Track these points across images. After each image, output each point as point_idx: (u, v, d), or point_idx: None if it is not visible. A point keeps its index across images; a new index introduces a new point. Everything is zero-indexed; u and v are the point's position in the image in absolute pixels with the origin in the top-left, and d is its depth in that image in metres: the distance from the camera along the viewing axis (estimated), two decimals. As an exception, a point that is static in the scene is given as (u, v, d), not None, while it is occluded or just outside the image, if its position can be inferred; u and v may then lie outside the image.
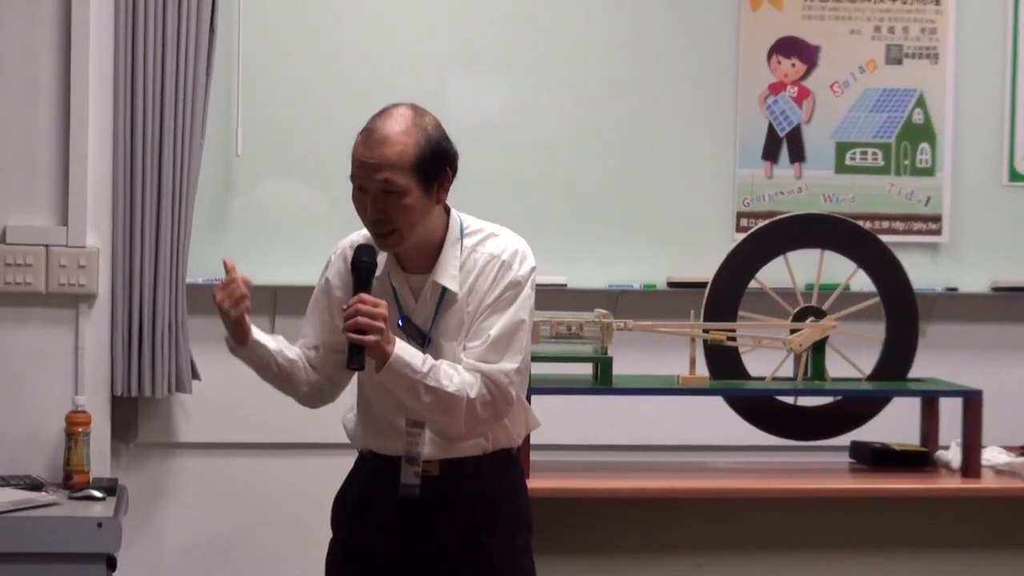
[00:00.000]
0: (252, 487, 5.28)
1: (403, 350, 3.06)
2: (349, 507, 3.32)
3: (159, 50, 4.97)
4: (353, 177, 3.14)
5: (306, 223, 5.27)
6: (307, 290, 5.37)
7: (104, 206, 4.86)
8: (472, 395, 3.10)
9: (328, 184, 5.30)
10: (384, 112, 3.19)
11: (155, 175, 4.99)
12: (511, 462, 3.33)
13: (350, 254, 3.21)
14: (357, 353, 3.02)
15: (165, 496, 5.26)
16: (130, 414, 5.17)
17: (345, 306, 3.04)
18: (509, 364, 3.15)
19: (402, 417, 3.20)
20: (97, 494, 4.51)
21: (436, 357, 3.13)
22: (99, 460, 4.76)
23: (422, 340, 3.17)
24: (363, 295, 3.04)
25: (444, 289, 3.18)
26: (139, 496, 5.06)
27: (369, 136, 3.13)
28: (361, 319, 2.99)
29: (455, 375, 3.10)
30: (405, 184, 3.09)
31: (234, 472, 5.28)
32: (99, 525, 4.26)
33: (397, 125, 3.13)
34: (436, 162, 3.14)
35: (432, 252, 3.19)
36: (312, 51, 5.31)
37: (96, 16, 4.77)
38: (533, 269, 3.23)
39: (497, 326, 3.16)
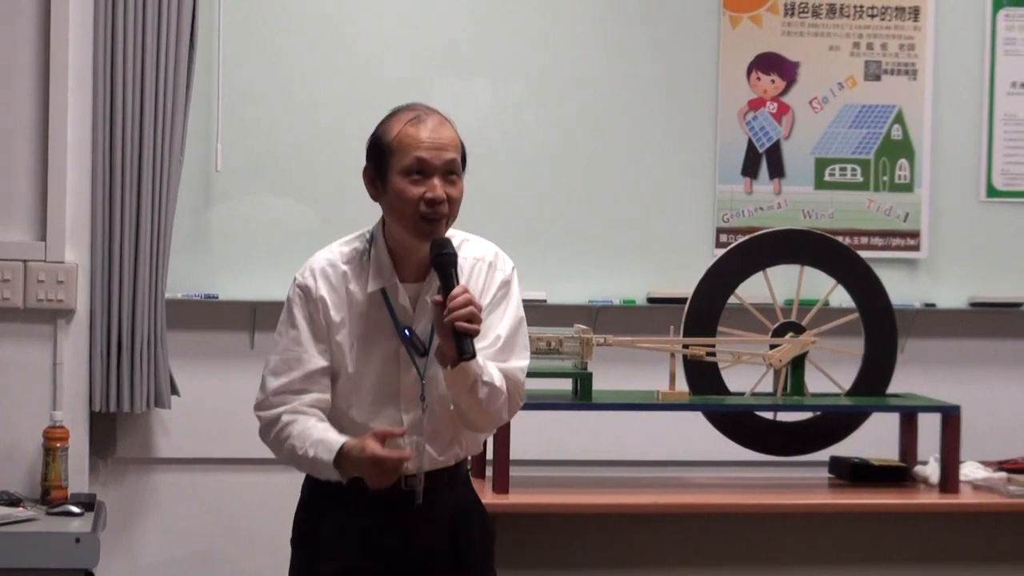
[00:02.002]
0: (230, 502, 5.27)
1: None
2: (324, 528, 3.21)
3: (138, 65, 4.96)
4: (415, 161, 3.08)
5: (286, 238, 5.26)
6: (287, 305, 5.32)
7: (83, 221, 4.85)
8: (506, 395, 3.14)
9: (308, 199, 5.30)
10: (413, 104, 3.20)
11: (134, 190, 4.98)
12: (467, 472, 3.34)
13: (331, 273, 3.16)
14: (469, 343, 3.01)
15: (143, 511, 5.24)
16: (108, 429, 5.16)
17: (451, 297, 2.98)
18: (522, 361, 3.20)
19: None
20: (75, 509, 4.50)
21: (433, 366, 3.13)
22: (77, 476, 4.74)
23: (422, 351, 3.15)
24: (462, 285, 3.04)
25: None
26: (117, 511, 5.04)
27: (424, 120, 3.13)
28: (473, 308, 3.00)
29: (495, 371, 3.12)
30: (459, 168, 3.15)
31: (212, 487, 5.27)
32: (77, 541, 4.25)
33: (441, 115, 3.18)
34: (466, 158, 3.21)
35: (426, 259, 3.14)
36: (292, 67, 5.31)
37: (75, 31, 4.77)
38: (514, 268, 3.27)
39: (503, 326, 3.18)
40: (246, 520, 5.26)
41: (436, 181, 3.09)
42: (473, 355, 3.01)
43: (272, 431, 3.18)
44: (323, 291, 3.16)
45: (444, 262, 3.06)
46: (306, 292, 3.17)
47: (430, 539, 3.20)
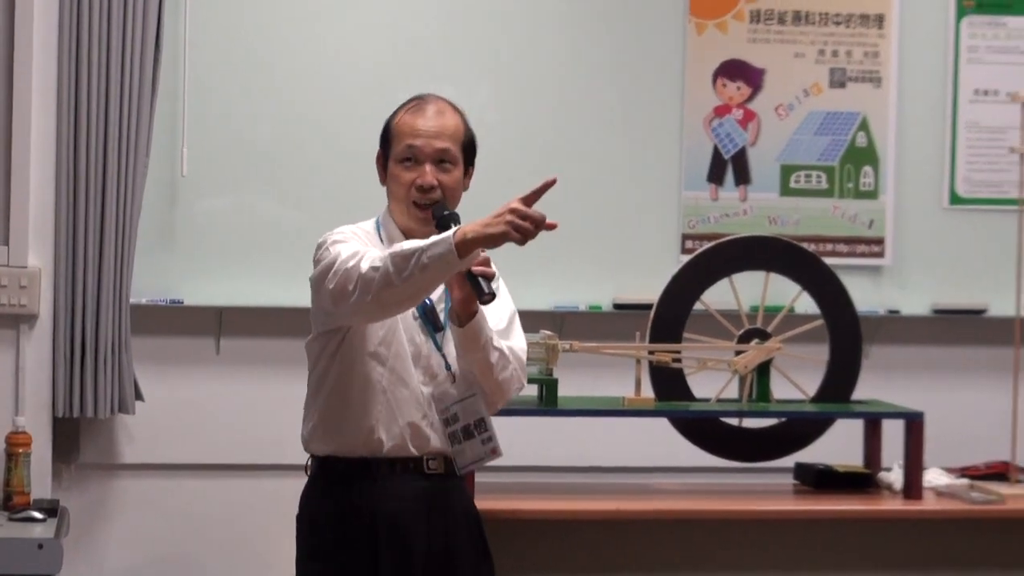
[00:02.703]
0: (195, 509, 5.24)
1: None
2: (332, 524, 3.27)
3: (103, 69, 4.94)
4: (404, 148, 3.24)
5: (252, 243, 5.25)
6: (253, 310, 5.37)
7: (46, 226, 4.82)
8: (515, 365, 3.30)
9: (274, 203, 5.29)
10: (427, 95, 3.32)
11: (98, 195, 4.95)
12: None
13: (360, 234, 3.26)
14: (487, 283, 3.11)
15: (107, 517, 5.21)
16: (72, 435, 5.13)
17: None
18: (523, 343, 3.35)
19: (417, 412, 3.24)
20: (38, 515, 4.48)
21: (448, 339, 3.27)
22: (40, 481, 4.72)
23: (440, 326, 3.27)
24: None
25: None
26: (81, 517, 5.02)
27: (423, 109, 3.27)
28: (485, 254, 3.09)
29: (501, 342, 3.27)
30: (456, 157, 3.28)
31: (177, 493, 5.24)
32: (40, 547, 4.23)
33: (447, 105, 3.32)
34: (471, 149, 3.36)
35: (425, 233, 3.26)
36: (258, 70, 5.29)
37: (39, 34, 4.75)
38: None
39: (503, 311, 3.34)
40: (211, 526, 5.24)
41: (427, 168, 3.24)
42: (493, 296, 3.12)
43: (361, 268, 3.06)
44: (358, 238, 3.25)
45: (447, 220, 3.20)
46: (346, 231, 3.26)
47: (449, 527, 3.31)
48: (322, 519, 3.26)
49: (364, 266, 3.03)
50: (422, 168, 3.24)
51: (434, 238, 3.01)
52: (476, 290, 3.13)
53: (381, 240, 3.31)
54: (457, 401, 3.27)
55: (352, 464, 3.24)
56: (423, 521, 3.26)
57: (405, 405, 3.24)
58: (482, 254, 3.10)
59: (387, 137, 3.33)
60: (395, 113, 3.36)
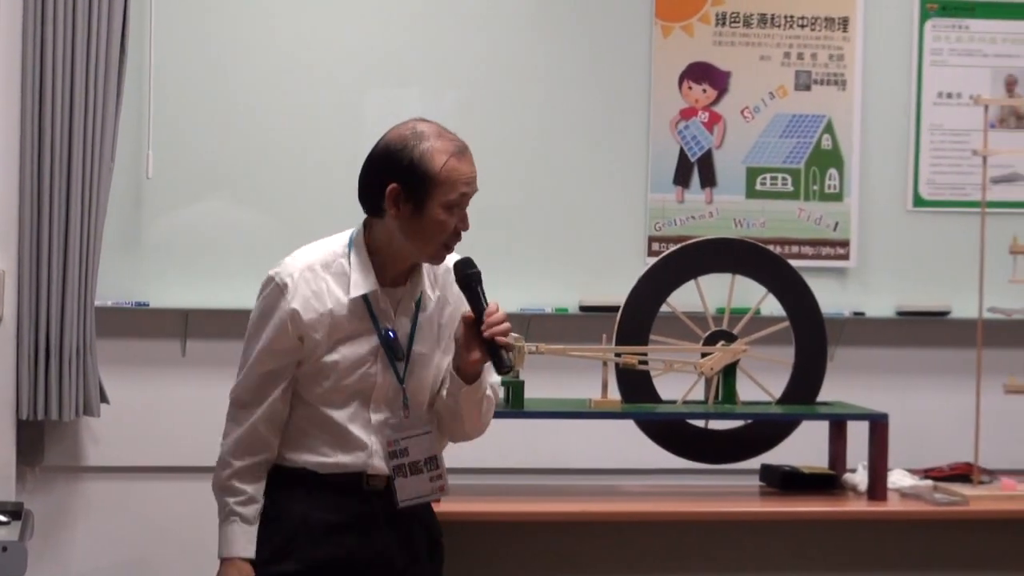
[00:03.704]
0: (160, 512, 5.23)
1: None
2: (312, 533, 3.24)
3: (68, 72, 4.92)
4: (459, 197, 3.18)
5: (217, 245, 5.24)
6: (219, 312, 5.35)
7: (10, 227, 4.80)
8: (496, 401, 3.34)
9: (239, 206, 5.28)
10: (443, 129, 3.26)
11: (63, 197, 4.93)
12: None
13: (310, 277, 3.19)
14: (508, 356, 3.14)
15: (72, 521, 5.19)
16: (36, 437, 5.10)
17: (487, 313, 3.12)
18: (496, 377, 3.31)
19: (366, 429, 3.22)
20: (2, 518, 4.45)
21: (414, 371, 3.23)
22: (4, 484, 4.69)
23: (400, 355, 3.22)
24: (494, 301, 3.16)
25: (420, 298, 3.25)
26: (45, 520, 4.99)
27: (464, 153, 3.22)
28: (508, 324, 3.15)
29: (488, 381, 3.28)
30: None
31: (142, 496, 5.23)
32: (4, 549, 4.20)
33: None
34: None
35: (408, 268, 3.25)
36: (225, 74, 5.28)
37: (2, 39, 4.72)
38: None
39: None
40: (175, 529, 5.23)
41: (466, 213, 3.21)
42: (511, 367, 3.17)
43: (220, 502, 3.28)
44: (300, 292, 3.19)
45: (471, 280, 3.19)
46: (282, 293, 3.20)
47: (389, 537, 3.26)
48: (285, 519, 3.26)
49: (223, 462, 3.24)
50: (463, 214, 3.19)
51: (228, 531, 3.21)
52: (497, 361, 3.16)
53: (348, 265, 3.21)
54: (409, 436, 3.26)
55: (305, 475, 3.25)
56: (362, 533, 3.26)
57: (358, 432, 3.22)
58: (505, 323, 3.13)
59: (425, 178, 3.14)
60: (420, 150, 3.17)
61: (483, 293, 3.18)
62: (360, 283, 3.19)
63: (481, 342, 3.15)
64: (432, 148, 3.17)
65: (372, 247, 3.23)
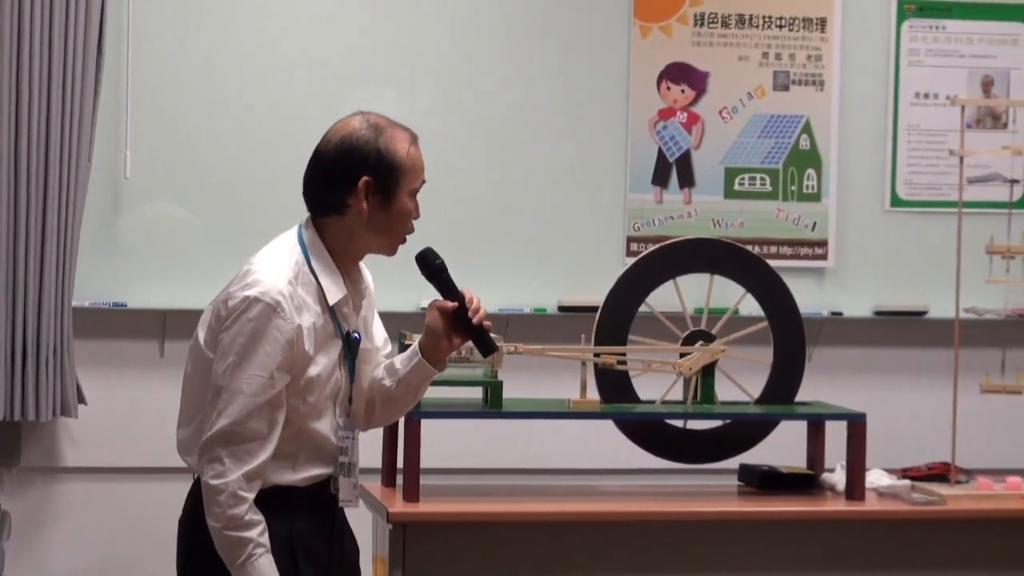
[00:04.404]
0: (138, 512, 5.22)
1: None
2: (306, 547, 3.19)
3: (45, 72, 4.91)
4: (421, 184, 3.20)
5: (195, 246, 5.23)
6: (197, 313, 5.29)
7: (-12, 227, 4.79)
8: None
9: (217, 206, 5.27)
10: (390, 119, 3.22)
11: (40, 197, 4.92)
12: None
13: (291, 292, 3.05)
14: (488, 337, 3.17)
15: (49, 521, 5.18)
16: (13, 438, 5.09)
17: (468, 300, 3.14)
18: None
19: (335, 434, 3.18)
20: (-21, 520, 4.44)
21: (360, 368, 3.21)
22: (-19, 486, 4.69)
23: (356, 353, 3.19)
24: (466, 287, 3.18)
25: (365, 293, 3.24)
26: (22, 521, 4.98)
27: (417, 140, 3.22)
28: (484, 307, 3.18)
29: None
30: None
31: (120, 497, 5.22)
32: (-19, 552, 4.20)
33: None
34: None
35: (358, 260, 3.24)
36: (202, 75, 5.27)
37: (-19, 35, 4.71)
38: None
39: (384, 331, 3.35)
40: (153, 529, 5.19)
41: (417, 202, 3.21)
42: (496, 347, 3.21)
43: (239, 540, 3.05)
44: (294, 307, 3.06)
45: (439, 272, 3.19)
46: (274, 312, 3.03)
47: (350, 544, 3.26)
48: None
49: (235, 497, 3.03)
50: (416, 202, 3.20)
51: (259, 565, 3.01)
52: (483, 344, 3.17)
53: (310, 272, 3.12)
54: (349, 436, 3.23)
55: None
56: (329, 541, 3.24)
57: (334, 439, 3.18)
58: (483, 308, 3.16)
59: (394, 167, 3.12)
60: (383, 140, 3.13)
61: (452, 282, 3.18)
62: (333, 290, 3.13)
63: (463, 329, 3.15)
64: (393, 137, 3.16)
65: (330, 249, 3.15)
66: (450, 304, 3.15)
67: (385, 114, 3.23)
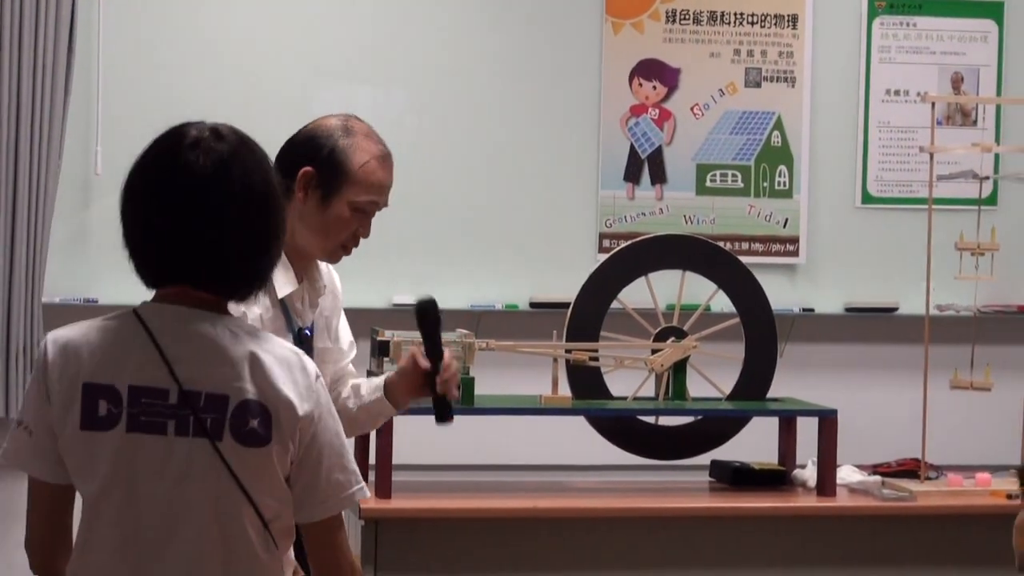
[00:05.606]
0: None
1: None
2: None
3: (15, 68, 4.89)
4: (368, 202, 3.09)
5: (166, 242, 5.21)
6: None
7: (-43, 224, 4.77)
8: None
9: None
10: (372, 131, 3.16)
11: (9, 194, 4.90)
12: None
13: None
14: (449, 408, 3.05)
15: (20, 519, 5.14)
16: (-17, 436, 5.06)
17: (446, 366, 3.02)
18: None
19: None
20: (-51, 518, 4.42)
21: (324, 362, 3.14)
22: (-50, 483, 4.66)
23: (308, 350, 3.11)
24: (450, 351, 3.07)
25: (324, 292, 3.17)
26: (-7, 519, 4.96)
27: (387, 160, 3.14)
28: (458, 376, 3.10)
29: None
30: None
31: (91, 494, 5.19)
32: (-49, 550, 4.18)
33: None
34: None
35: (311, 264, 3.16)
36: (174, 69, 5.25)
37: (-50, 30, 4.69)
38: None
39: (348, 331, 3.29)
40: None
41: (368, 221, 3.11)
42: (451, 421, 3.04)
43: None
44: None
45: (433, 327, 3.06)
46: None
47: None
48: None
49: None
50: (366, 221, 3.10)
51: None
52: (442, 413, 3.05)
53: None
54: None
55: None
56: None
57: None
58: (453, 364, 3.05)
59: (340, 171, 3.07)
60: (347, 142, 3.10)
61: (440, 341, 3.08)
62: (284, 282, 3.07)
63: (430, 390, 3.05)
64: (357, 145, 3.10)
65: (289, 245, 3.04)
66: (425, 364, 3.05)
67: (361, 115, 3.19)
